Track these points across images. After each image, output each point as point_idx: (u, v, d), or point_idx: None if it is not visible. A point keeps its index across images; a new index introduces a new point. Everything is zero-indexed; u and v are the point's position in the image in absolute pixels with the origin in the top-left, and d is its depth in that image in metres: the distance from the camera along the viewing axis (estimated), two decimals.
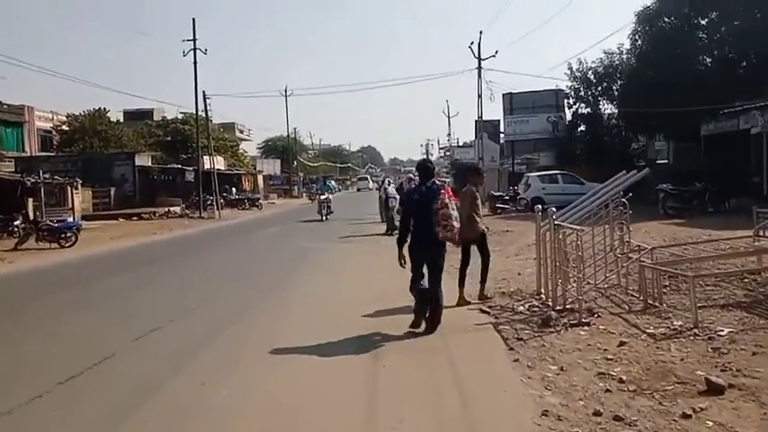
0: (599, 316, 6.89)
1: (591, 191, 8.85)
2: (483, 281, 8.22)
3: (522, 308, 7.54)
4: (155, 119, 53.71)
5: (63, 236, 19.35)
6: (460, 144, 60.85)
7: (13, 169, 35.21)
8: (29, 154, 40.88)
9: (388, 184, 20.93)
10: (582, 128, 34.63)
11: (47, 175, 26.69)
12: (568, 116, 34.67)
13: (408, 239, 6.65)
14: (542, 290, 8.13)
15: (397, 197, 17.22)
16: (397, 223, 15.46)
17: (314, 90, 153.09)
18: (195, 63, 32.80)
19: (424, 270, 6.67)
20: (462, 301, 7.84)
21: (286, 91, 61.56)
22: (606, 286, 7.96)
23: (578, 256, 6.78)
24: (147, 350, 6.48)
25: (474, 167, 9.94)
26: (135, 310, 8.64)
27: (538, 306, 7.54)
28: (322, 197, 27.52)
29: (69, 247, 19.16)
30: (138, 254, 17.42)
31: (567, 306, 7.19)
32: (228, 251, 17.00)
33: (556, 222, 7.28)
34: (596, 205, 7.54)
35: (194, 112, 35.36)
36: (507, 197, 25.23)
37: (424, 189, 6.63)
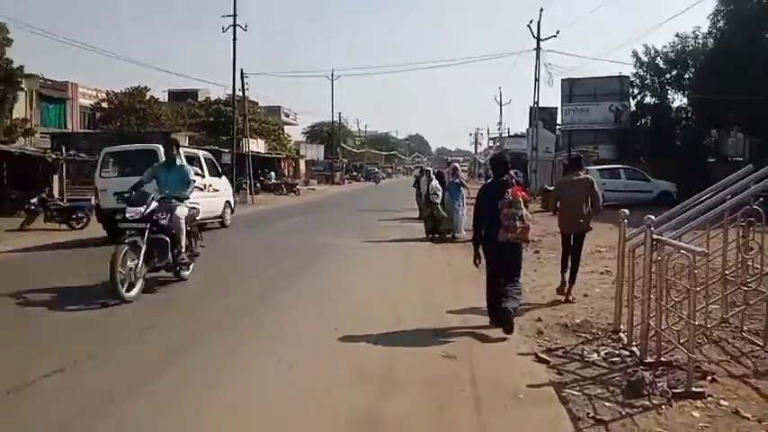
0: (715, 380, 4.62)
1: (657, 189, 8.10)
2: (572, 281, 7.68)
3: (595, 355, 5.30)
4: (199, 100, 52.78)
5: (74, 216, 17.98)
6: (511, 134, 57.70)
7: (50, 145, 34.66)
8: (70, 130, 40.39)
9: (429, 176, 15.55)
10: (646, 119, 31.51)
11: (71, 152, 25.55)
12: (632, 106, 31.60)
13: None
14: (622, 326, 5.90)
15: (440, 190, 14.54)
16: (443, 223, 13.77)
17: (361, 70, 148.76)
18: (234, 39, 31.13)
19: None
20: (562, 289, 7.62)
21: (333, 75, 59.78)
22: (710, 325, 5.64)
23: (690, 288, 4.48)
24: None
25: (576, 158, 8.61)
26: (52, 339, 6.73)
27: (618, 354, 5.29)
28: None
29: (81, 228, 17.79)
30: None
31: (664, 358, 4.95)
32: (231, 249, 15.19)
33: (655, 235, 4.99)
34: (716, 212, 5.20)
35: (243, 95, 33.75)
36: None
37: (496, 184, 6.38)
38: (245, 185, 32.25)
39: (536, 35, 26.62)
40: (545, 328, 6.19)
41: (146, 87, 39.95)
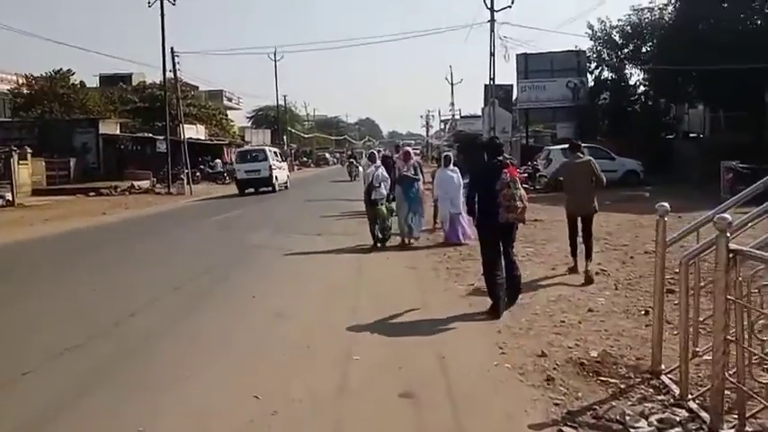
0: None
1: (622, 168, 9.03)
2: (589, 258, 7.70)
3: (644, 425, 3.55)
4: (134, 84, 49.28)
5: None
6: (463, 115, 56.21)
7: None
8: None
9: (371, 161, 12.20)
10: (605, 96, 30.37)
11: None
12: (590, 82, 30.37)
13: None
14: (663, 366, 4.21)
15: (388, 181, 10.81)
16: (393, 227, 10.99)
17: (304, 46, 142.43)
18: (162, 15, 28.33)
19: None
20: (576, 269, 7.82)
21: (275, 54, 56.87)
22: None
23: None
24: None
25: (575, 142, 8.98)
26: None
27: (679, 422, 3.56)
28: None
29: None
30: (52, 247, 13.44)
31: (750, 428, 3.27)
32: (155, 246, 13.00)
33: (734, 247, 3.24)
34: None
35: (171, 74, 30.86)
36: (525, 174, 21.10)
37: (490, 166, 6.34)
38: (182, 175, 29.67)
39: (489, 5, 24.82)
40: (555, 370, 4.45)
41: (69, 71, 36.67)
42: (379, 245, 10.67)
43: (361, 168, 8.34)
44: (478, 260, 6.76)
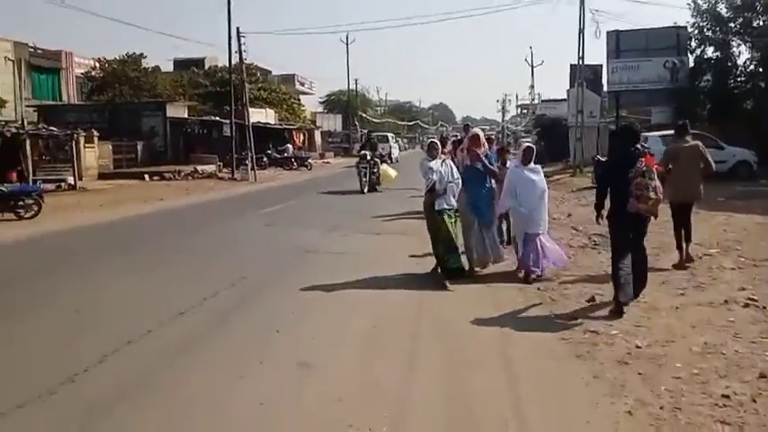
0: None
1: (732, 158, 9.24)
2: (689, 240, 7.67)
3: None
4: (206, 68, 49.18)
5: (21, 204, 14.71)
6: (543, 99, 52.90)
7: (36, 119, 31.56)
8: (65, 102, 37.27)
9: (429, 151, 7.74)
10: (707, 77, 27.00)
11: (41, 126, 22.36)
12: (690, 62, 27.06)
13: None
14: None
15: (459, 182, 7.51)
16: (460, 245, 7.64)
17: (374, 24, 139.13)
18: None
19: None
20: (682, 264, 7.50)
21: (347, 39, 55.62)
22: None
23: None
24: None
25: (683, 124, 8.31)
26: None
27: None
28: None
29: (31, 218, 14.61)
30: (99, 236, 12.48)
31: None
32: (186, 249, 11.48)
33: None
34: None
35: (240, 56, 29.72)
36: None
37: (625, 154, 6.04)
38: (246, 161, 28.70)
39: None
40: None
41: (141, 54, 36.51)
42: (444, 273, 7.37)
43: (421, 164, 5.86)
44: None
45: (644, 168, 5.79)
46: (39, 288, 7.49)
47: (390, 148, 40.94)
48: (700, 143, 7.96)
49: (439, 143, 7.98)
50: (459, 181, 7.49)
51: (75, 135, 23.34)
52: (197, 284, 7.38)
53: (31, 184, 18.09)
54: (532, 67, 55.70)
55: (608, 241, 9.04)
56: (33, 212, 14.78)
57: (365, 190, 19.16)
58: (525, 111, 79.56)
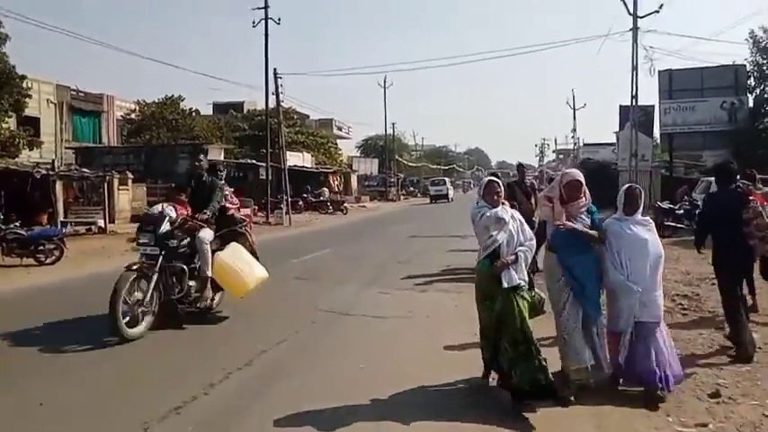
0: None
1: None
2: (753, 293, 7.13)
3: None
4: (244, 112, 49.52)
5: (40, 249, 13.96)
6: (586, 143, 51.54)
7: (73, 161, 31.61)
8: (104, 145, 37.54)
9: (485, 195, 5.03)
10: None
11: (74, 167, 22.00)
12: (750, 102, 25.59)
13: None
14: None
15: (533, 242, 4.93)
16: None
17: (412, 64, 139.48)
18: (266, 35, 27.10)
19: None
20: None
21: (385, 82, 55.47)
22: None
23: None
24: None
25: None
26: None
27: None
28: None
29: (51, 264, 13.83)
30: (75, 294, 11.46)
31: None
32: None
33: None
34: None
35: (277, 97, 29.42)
36: (681, 211, 17.03)
37: (727, 193, 5.80)
38: (282, 205, 27.92)
39: (632, 11, 20.75)
40: None
41: (179, 97, 36.60)
42: (490, 375, 5.04)
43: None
44: None
45: (760, 208, 5.70)
46: None
47: (447, 189, 52.53)
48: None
49: (500, 183, 5.05)
50: (534, 243, 4.92)
51: (108, 177, 22.86)
52: (180, 377, 5.57)
53: (59, 226, 17.53)
54: (574, 109, 54.56)
55: (696, 304, 7.78)
56: (55, 257, 14.05)
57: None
58: (562, 155, 77.97)
